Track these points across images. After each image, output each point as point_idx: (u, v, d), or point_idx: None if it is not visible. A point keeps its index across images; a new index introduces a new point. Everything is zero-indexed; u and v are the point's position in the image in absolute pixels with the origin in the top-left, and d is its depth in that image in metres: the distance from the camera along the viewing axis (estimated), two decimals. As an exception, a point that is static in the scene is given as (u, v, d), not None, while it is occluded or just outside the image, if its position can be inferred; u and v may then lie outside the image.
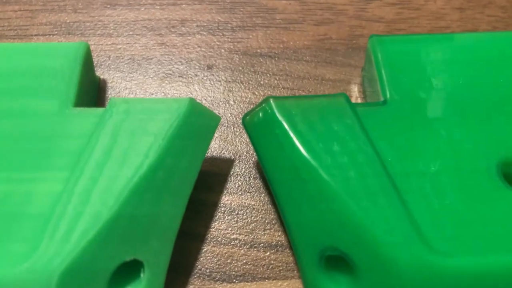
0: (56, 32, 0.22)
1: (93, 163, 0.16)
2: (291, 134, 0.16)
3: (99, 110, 0.17)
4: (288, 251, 0.18)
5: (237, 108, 0.21)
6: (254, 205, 0.19)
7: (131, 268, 0.16)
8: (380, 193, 0.16)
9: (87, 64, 0.19)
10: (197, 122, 0.17)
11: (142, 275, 0.16)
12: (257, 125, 0.17)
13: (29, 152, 0.17)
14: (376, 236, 0.15)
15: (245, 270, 0.18)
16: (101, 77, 0.21)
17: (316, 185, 0.16)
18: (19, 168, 0.16)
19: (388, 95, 0.18)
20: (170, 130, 0.16)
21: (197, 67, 0.22)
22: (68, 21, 0.23)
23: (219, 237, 0.18)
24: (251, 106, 0.21)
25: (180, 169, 0.17)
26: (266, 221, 0.19)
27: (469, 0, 0.24)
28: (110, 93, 0.21)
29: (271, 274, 0.18)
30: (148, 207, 0.16)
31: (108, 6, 0.23)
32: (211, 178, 0.20)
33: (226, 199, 0.19)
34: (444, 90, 0.18)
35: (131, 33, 0.23)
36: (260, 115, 0.17)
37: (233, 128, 0.21)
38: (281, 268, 0.18)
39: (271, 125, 0.17)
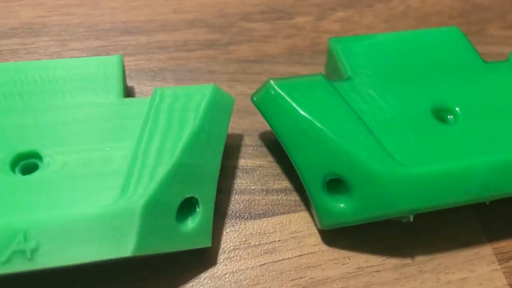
0: (84, 55, 0.28)
1: (158, 130, 0.21)
2: (291, 101, 0.23)
3: (146, 98, 0.23)
4: (295, 193, 0.24)
5: (237, 99, 0.27)
6: (264, 164, 0.25)
7: (190, 206, 0.21)
8: (359, 133, 0.23)
9: (123, 70, 0.25)
10: (220, 100, 0.23)
11: (197, 209, 0.21)
12: (264, 99, 0.24)
13: (99, 130, 0.22)
14: (361, 160, 0.22)
15: (264, 209, 0.24)
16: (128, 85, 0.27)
17: (314, 132, 0.22)
18: (94, 141, 0.21)
19: (350, 74, 0.25)
20: (204, 105, 0.23)
21: (202, 72, 0.28)
22: (94, 45, 0.28)
23: (242, 189, 0.24)
24: (248, 97, 0.27)
25: (214, 133, 0.23)
26: (275, 175, 0.25)
27: (392, 15, 0.33)
28: (139, 95, 0.27)
29: (284, 210, 0.24)
30: (197, 158, 0.22)
31: (125, 33, 0.29)
32: (228, 149, 0.25)
33: (242, 162, 0.25)
34: (389, 67, 0.25)
35: (146, 52, 0.29)
36: (266, 91, 0.24)
37: (238, 113, 0.27)
38: (291, 205, 0.24)
39: (274, 97, 0.23)
